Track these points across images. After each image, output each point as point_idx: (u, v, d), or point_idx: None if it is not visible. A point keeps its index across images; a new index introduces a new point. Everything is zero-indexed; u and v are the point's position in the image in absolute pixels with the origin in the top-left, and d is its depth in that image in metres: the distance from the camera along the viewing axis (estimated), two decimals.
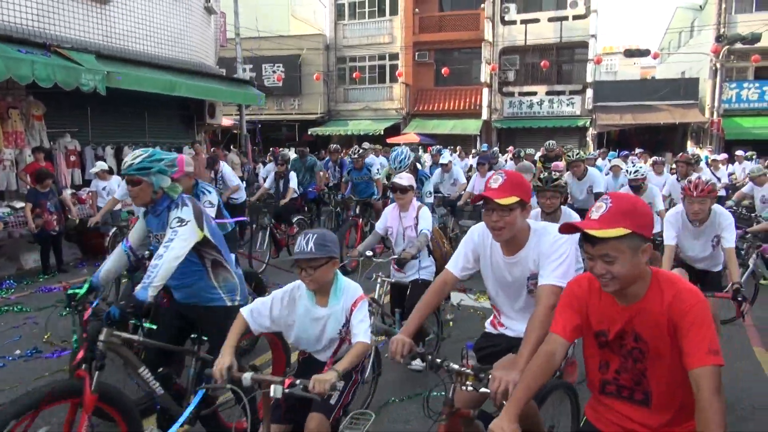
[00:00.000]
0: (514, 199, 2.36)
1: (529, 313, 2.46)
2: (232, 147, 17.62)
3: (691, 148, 21.62)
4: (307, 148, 10.02)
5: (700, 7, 25.82)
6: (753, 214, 7.99)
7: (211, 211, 4.53)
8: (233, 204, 7.96)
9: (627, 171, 6.98)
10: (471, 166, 14.46)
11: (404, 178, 4.59)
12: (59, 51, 8.87)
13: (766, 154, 16.14)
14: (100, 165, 8.78)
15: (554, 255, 2.44)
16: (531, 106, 24.21)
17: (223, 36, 17.65)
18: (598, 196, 7.07)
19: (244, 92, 14.43)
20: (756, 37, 18.31)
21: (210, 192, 4.79)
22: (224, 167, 8.28)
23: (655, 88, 23.82)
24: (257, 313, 2.59)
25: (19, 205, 8.40)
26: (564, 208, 4.40)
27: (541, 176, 4.31)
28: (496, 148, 17.59)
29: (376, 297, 4.41)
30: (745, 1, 22.04)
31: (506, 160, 15.30)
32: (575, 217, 4.45)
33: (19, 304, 6.61)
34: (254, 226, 8.68)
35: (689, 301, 1.72)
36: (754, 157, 15.12)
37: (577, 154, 7.78)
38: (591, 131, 23.08)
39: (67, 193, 9.25)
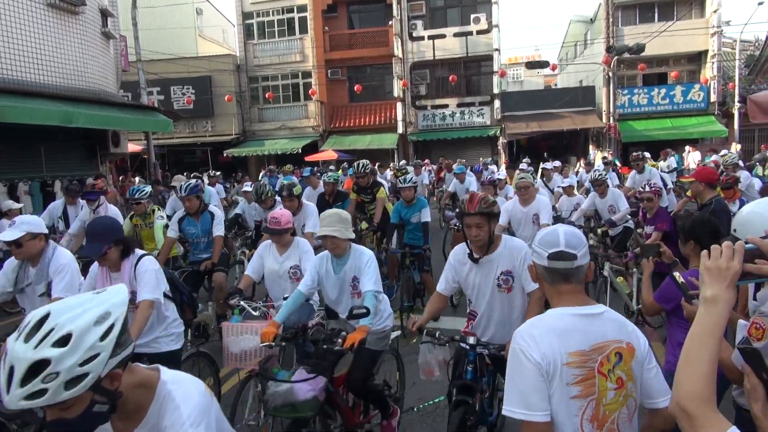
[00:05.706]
0: None
1: None
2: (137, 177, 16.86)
3: (592, 151, 23.08)
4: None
5: (591, 20, 27.79)
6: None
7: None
8: None
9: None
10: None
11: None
12: None
13: (658, 154, 17.45)
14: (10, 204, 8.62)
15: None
16: (444, 118, 24.96)
17: (125, 60, 16.92)
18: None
19: (151, 119, 13.85)
20: (641, 48, 19.89)
21: None
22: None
23: (557, 96, 25.28)
24: None
25: None
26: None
27: None
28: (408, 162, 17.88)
29: None
30: (630, 14, 23.96)
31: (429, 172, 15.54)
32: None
33: None
34: None
35: None
36: (648, 157, 16.22)
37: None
38: (501, 140, 24.10)
39: None
